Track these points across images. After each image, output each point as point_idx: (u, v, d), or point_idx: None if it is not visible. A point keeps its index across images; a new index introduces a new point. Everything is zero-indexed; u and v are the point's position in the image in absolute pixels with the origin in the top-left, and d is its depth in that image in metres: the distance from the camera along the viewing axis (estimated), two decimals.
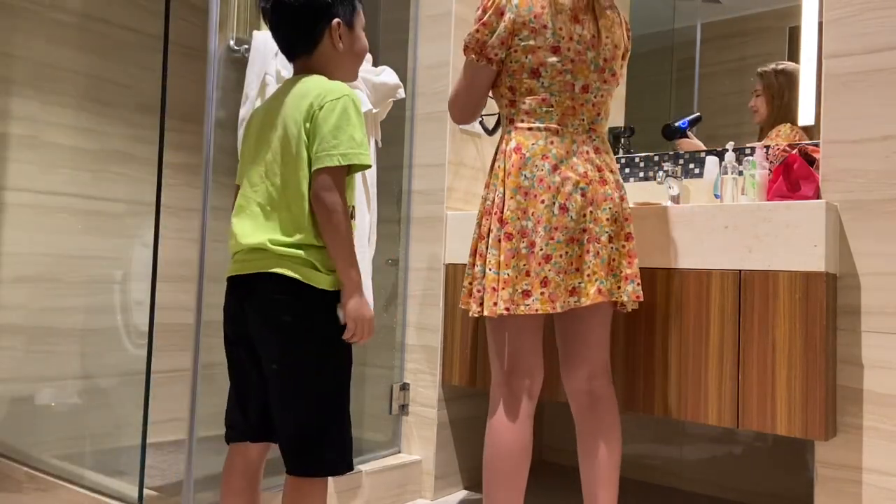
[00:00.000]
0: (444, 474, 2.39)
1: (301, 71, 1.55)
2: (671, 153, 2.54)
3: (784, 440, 2.31)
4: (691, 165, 2.49)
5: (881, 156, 1.75)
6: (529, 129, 1.66)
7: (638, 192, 2.51)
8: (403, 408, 2.42)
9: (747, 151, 2.35)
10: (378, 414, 2.41)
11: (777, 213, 1.75)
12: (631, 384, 1.94)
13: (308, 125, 1.43)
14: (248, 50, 2.05)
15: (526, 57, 1.64)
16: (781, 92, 2.37)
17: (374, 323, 1.48)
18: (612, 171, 1.71)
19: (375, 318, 1.58)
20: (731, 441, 2.41)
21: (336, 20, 1.51)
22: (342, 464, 1.47)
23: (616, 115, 2.63)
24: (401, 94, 2.20)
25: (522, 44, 1.63)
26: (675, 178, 2.39)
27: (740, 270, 1.80)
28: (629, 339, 1.95)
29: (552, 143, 1.64)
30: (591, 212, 1.64)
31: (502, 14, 1.64)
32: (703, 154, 2.46)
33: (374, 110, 2.11)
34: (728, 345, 1.80)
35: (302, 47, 1.53)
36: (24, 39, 2.48)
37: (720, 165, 2.27)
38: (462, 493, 2.43)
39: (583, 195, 1.63)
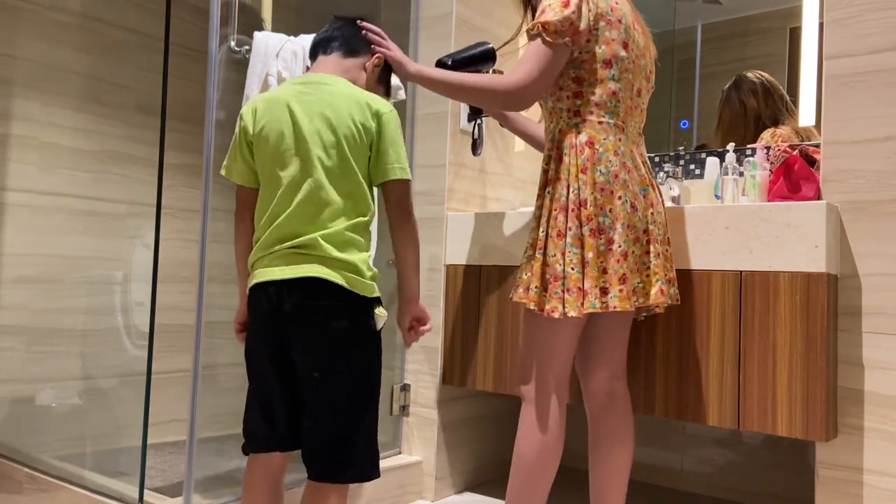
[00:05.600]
0: (444, 475, 2.39)
1: (331, 66, 1.60)
2: (672, 154, 2.54)
3: (785, 441, 2.31)
4: (692, 166, 2.49)
5: (882, 156, 1.75)
6: (599, 122, 1.64)
7: None
8: (404, 409, 2.42)
9: (748, 152, 2.35)
10: (379, 415, 2.40)
11: (778, 213, 1.75)
12: (631, 385, 1.94)
13: (361, 127, 1.49)
14: (248, 51, 2.05)
15: (600, 47, 1.63)
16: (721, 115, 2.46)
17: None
18: (654, 176, 1.77)
19: None
20: (732, 442, 2.41)
21: (380, 55, 1.67)
22: (374, 470, 1.50)
23: None
24: (401, 95, 2.20)
25: (598, 34, 1.62)
26: (676, 178, 2.39)
27: (741, 271, 1.80)
28: (630, 340, 1.94)
29: (620, 140, 1.65)
30: (651, 213, 1.66)
31: (587, 1, 1.62)
32: (703, 155, 2.47)
33: None
34: (729, 346, 1.80)
35: (346, 45, 1.62)
36: (25, 40, 2.48)
37: (721, 166, 2.27)
38: (462, 495, 2.43)
39: (644, 196, 1.66)
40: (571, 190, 1.61)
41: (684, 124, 2.54)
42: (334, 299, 1.43)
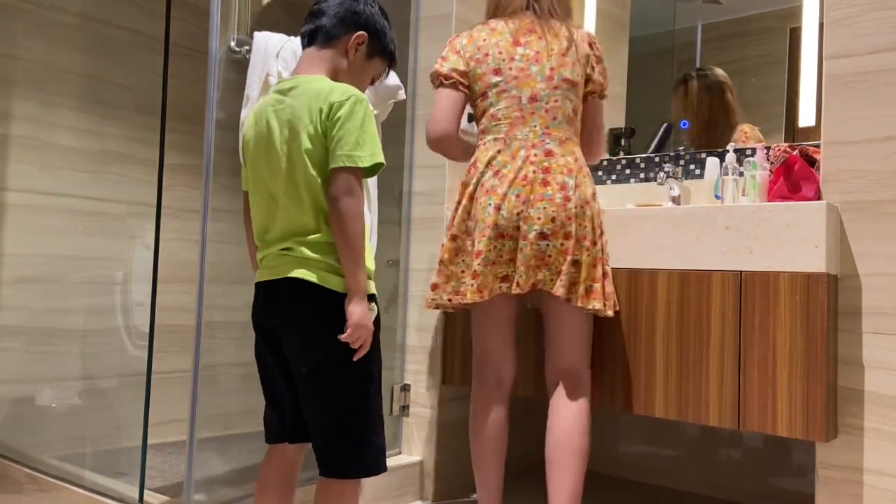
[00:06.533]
0: (444, 476, 2.39)
1: (307, 63, 1.56)
2: (672, 154, 2.54)
3: (785, 441, 2.31)
4: (692, 166, 2.49)
5: (882, 156, 1.75)
6: (484, 144, 1.86)
7: (638, 194, 2.51)
8: (404, 409, 2.42)
9: (748, 152, 2.35)
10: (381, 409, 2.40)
11: (778, 213, 1.75)
12: (631, 385, 1.94)
13: (318, 126, 1.44)
14: (248, 51, 2.05)
15: (477, 84, 1.88)
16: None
17: (371, 335, 1.48)
18: (563, 174, 1.78)
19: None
20: (732, 442, 2.41)
21: (362, 32, 1.57)
22: (375, 465, 1.49)
23: (617, 116, 2.63)
24: (402, 95, 2.20)
25: (471, 73, 1.88)
26: (676, 179, 2.39)
27: (741, 271, 1.80)
28: (630, 340, 1.95)
29: (499, 151, 1.82)
30: (522, 210, 1.76)
31: (458, 52, 1.91)
32: (703, 154, 2.47)
33: (375, 112, 2.11)
34: (729, 346, 1.80)
35: (322, 35, 1.56)
36: (25, 40, 2.48)
37: (721, 166, 2.27)
38: (462, 495, 2.43)
39: (517, 196, 1.76)
40: (455, 204, 1.87)
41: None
42: (313, 297, 1.45)
